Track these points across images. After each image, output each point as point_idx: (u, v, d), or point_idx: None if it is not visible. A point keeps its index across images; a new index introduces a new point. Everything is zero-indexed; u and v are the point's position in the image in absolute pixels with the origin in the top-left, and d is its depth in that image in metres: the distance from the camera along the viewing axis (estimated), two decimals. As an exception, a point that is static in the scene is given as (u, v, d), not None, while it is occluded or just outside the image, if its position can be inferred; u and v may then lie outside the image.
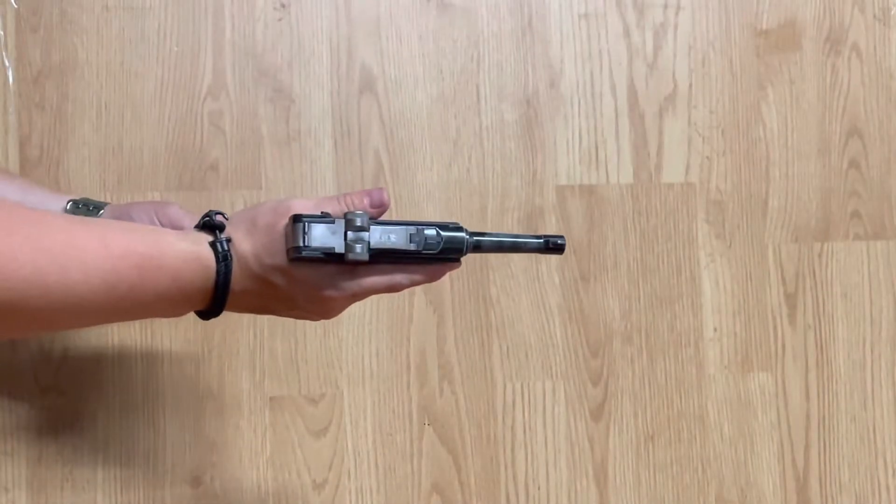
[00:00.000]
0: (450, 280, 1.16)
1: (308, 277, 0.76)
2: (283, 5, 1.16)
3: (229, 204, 1.13)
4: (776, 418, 1.22)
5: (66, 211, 0.93)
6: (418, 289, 1.15)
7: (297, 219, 0.75)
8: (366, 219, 0.77)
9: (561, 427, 1.18)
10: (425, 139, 1.17)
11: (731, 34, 1.24)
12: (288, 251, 0.76)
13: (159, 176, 1.12)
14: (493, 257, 1.17)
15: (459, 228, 0.81)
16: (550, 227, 1.19)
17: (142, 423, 1.10)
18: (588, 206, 1.20)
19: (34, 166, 1.10)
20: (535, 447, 1.17)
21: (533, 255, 1.17)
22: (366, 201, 0.79)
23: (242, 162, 1.13)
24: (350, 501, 1.13)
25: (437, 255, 0.80)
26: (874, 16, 1.27)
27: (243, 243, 0.76)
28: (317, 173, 1.15)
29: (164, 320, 1.08)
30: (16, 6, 1.11)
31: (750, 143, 1.24)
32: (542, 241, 0.85)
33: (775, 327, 1.23)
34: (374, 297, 0.90)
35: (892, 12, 1.27)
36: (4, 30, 1.10)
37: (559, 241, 0.85)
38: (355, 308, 1.06)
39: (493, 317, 1.17)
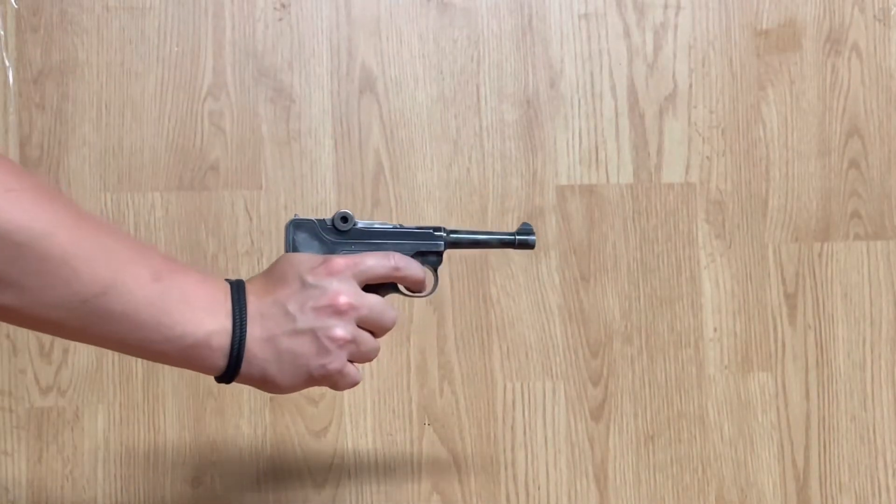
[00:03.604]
0: (450, 280, 1.16)
1: (306, 258, 0.80)
2: (283, 5, 1.16)
3: (229, 203, 1.13)
4: (776, 418, 1.22)
5: None
6: (418, 289, 1.15)
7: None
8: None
9: (561, 427, 1.18)
10: (425, 139, 1.17)
11: (731, 34, 1.24)
12: (286, 231, 0.84)
13: (159, 176, 1.12)
14: (495, 258, 1.16)
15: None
16: (551, 228, 1.19)
17: (142, 423, 1.10)
18: (588, 206, 1.20)
19: (34, 166, 1.10)
20: (535, 447, 1.17)
21: (533, 254, 1.17)
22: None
23: (243, 162, 1.14)
24: (350, 501, 1.13)
25: (416, 230, 0.85)
26: (874, 16, 1.27)
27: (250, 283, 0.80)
28: (317, 173, 1.15)
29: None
30: (16, 6, 1.11)
31: (750, 143, 1.24)
32: (512, 237, 0.90)
33: (775, 327, 1.23)
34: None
35: (892, 12, 1.27)
36: (4, 30, 1.11)
37: (529, 240, 0.89)
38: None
39: (493, 317, 1.17)
